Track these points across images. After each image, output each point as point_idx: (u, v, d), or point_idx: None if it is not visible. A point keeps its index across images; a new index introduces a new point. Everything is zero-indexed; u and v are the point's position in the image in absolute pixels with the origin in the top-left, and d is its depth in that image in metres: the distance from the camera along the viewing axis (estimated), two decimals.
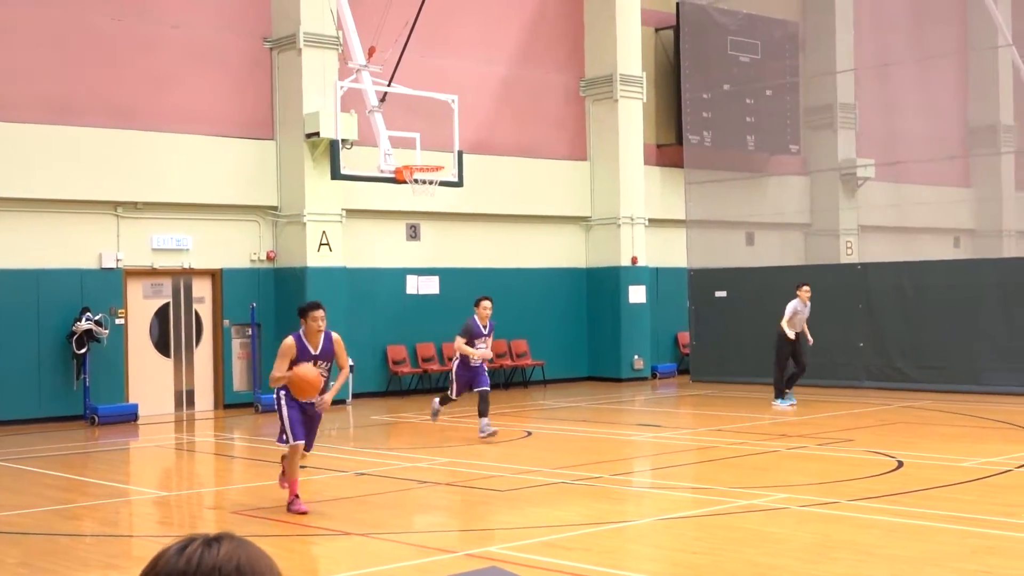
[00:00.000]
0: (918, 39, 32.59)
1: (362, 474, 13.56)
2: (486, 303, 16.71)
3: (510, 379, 25.23)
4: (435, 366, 23.82)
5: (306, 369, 10.88)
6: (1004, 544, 9.28)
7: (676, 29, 27.88)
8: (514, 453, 15.29)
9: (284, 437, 11.16)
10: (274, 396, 11.36)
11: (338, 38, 21.78)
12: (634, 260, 26.24)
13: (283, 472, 11.32)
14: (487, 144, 24.79)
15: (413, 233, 24.11)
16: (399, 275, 23.66)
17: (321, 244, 21.94)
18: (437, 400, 17.33)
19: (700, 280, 26.32)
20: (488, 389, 16.32)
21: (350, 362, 12.30)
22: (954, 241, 34.00)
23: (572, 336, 26.27)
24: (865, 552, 9.07)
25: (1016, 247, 33.05)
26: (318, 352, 11.15)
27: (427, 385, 23.85)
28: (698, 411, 21.25)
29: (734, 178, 28.45)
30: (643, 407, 22.08)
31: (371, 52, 20.59)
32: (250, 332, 21.87)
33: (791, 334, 20.19)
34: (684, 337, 27.24)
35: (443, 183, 20.80)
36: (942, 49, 33.57)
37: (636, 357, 26.14)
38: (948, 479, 12.30)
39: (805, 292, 20.38)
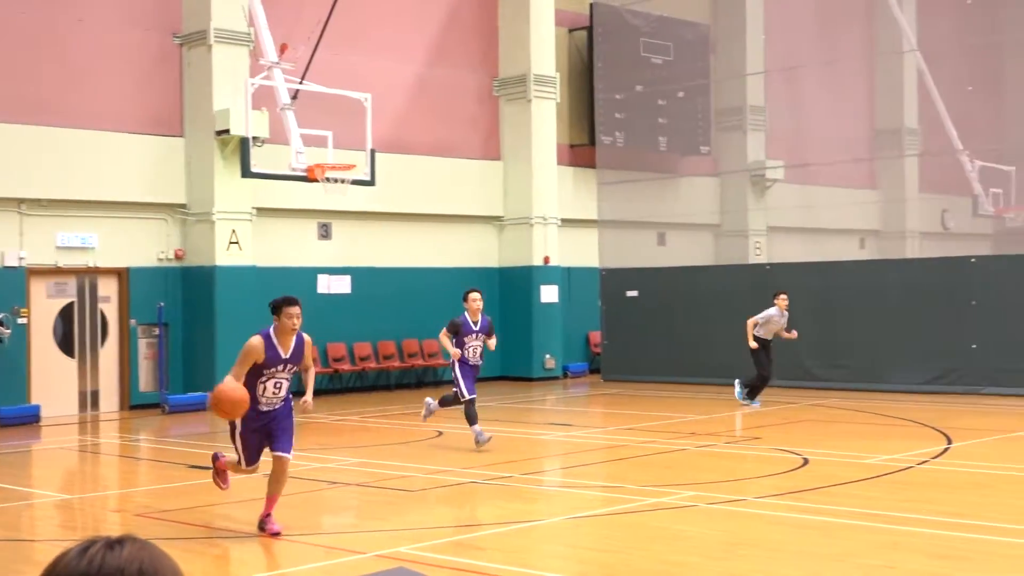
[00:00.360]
0: (826, 43, 33.09)
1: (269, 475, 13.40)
2: (475, 295, 15.05)
3: (422, 379, 25.16)
4: (346, 366, 23.68)
5: (231, 387, 9.46)
6: (907, 539, 9.44)
7: (589, 30, 28.02)
8: (425, 453, 15.24)
9: (238, 459, 10.14)
10: None
11: (250, 35, 21.56)
12: (546, 260, 26.32)
13: (217, 472, 10.49)
14: (400, 143, 24.70)
15: (324, 232, 23.94)
16: (310, 274, 23.48)
17: (231, 243, 21.70)
18: (433, 402, 15.77)
19: (612, 280, 26.47)
20: (475, 397, 15.07)
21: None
22: (860, 242, 34.56)
23: None
24: (772, 549, 9.17)
25: (919, 248, 33.70)
26: (288, 355, 9.85)
27: (338, 385, 23.72)
28: (609, 410, 21.37)
29: (646, 178, 28.66)
30: (554, 406, 22.15)
31: (283, 49, 20.43)
32: (157, 332, 21.56)
33: (753, 342, 19.41)
34: (596, 336, 27.38)
35: (355, 182, 20.71)
36: (849, 53, 34.10)
37: (548, 356, 26.22)
38: (853, 476, 12.49)
39: (783, 300, 19.59)
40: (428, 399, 16.03)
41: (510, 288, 26.38)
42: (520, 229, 26.37)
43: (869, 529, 9.85)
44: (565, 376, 26.73)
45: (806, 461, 13.58)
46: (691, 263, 28.04)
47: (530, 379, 25.65)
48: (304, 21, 21.84)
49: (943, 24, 34.19)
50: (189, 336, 21.83)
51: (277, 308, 9.88)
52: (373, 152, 21.12)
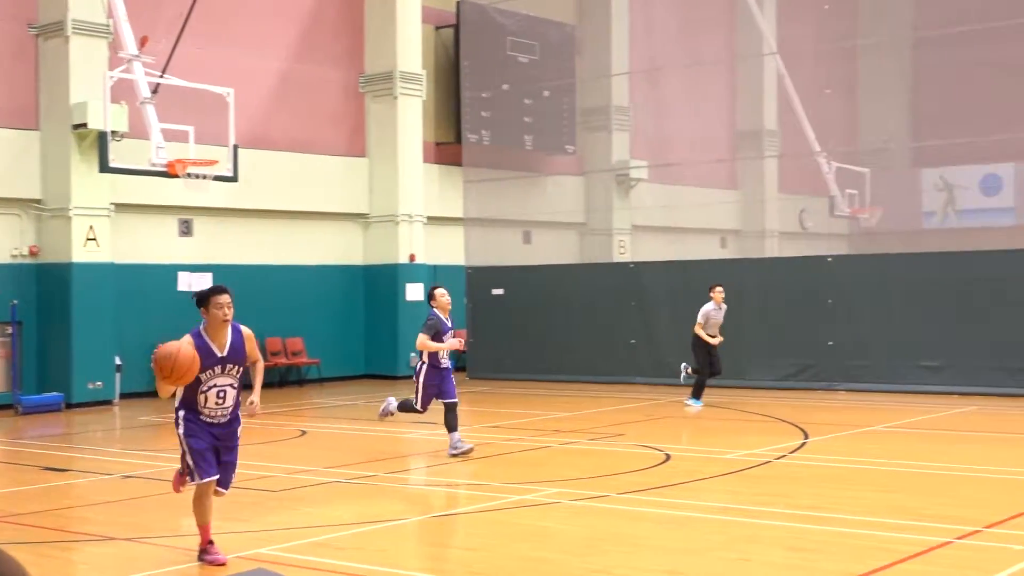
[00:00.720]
0: (690, 45, 33.63)
1: (129, 477, 13.14)
2: (442, 291, 14.21)
3: (285, 378, 24.89)
4: None
5: (180, 349, 8.23)
6: (764, 533, 9.62)
7: (456, 28, 28.01)
8: (287, 453, 15.07)
9: (188, 473, 8.69)
10: (173, 420, 8.71)
11: (108, 26, 21.06)
12: (412, 258, 26.24)
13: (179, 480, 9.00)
14: (263, 139, 24.39)
15: (185, 228, 23.51)
16: (170, 272, 23.03)
17: (88, 239, 21.17)
18: (394, 402, 14.80)
19: (477, 278, 26.51)
20: (457, 401, 14.09)
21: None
22: (721, 241, 35.20)
23: (349, 334, 26.09)
24: (634, 544, 9.27)
25: (777, 247, 34.48)
26: (226, 353, 8.57)
27: None
28: (474, 408, 21.38)
29: (512, 177, 28.77)
30: None
31: (143, 42, 20.00)
32: (10, 331, 20.93)
33: (708, 338, 18.92)
34: (461, 334, 27.34)
35: (217, 178, 20.41)
36: (712, 55, 34.72)
37: (413, 355, 25.98)
38: (713, 471, 12.71)
39: (719, 293, 19.15)
40: (390, 398, 15.03)
41: (375, 286, 26.24)
42: (386, 227, 26.25)
43: (728, 523, 10.03)
44: None
45: (668, 457, 13.77)
46: (556, 261, 28.25)
47: (395, 377, 25.54)
48: (165, 14, 21.43)
49: (802, 28, 35.05)
50: (44, 335, 21.25)
51: (203, 300, 8.65)
52: (236, 148, 20.82)
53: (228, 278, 23.78)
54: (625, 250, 31.02)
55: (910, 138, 38.57)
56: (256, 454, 14.75)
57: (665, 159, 31.66)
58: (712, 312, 19.10)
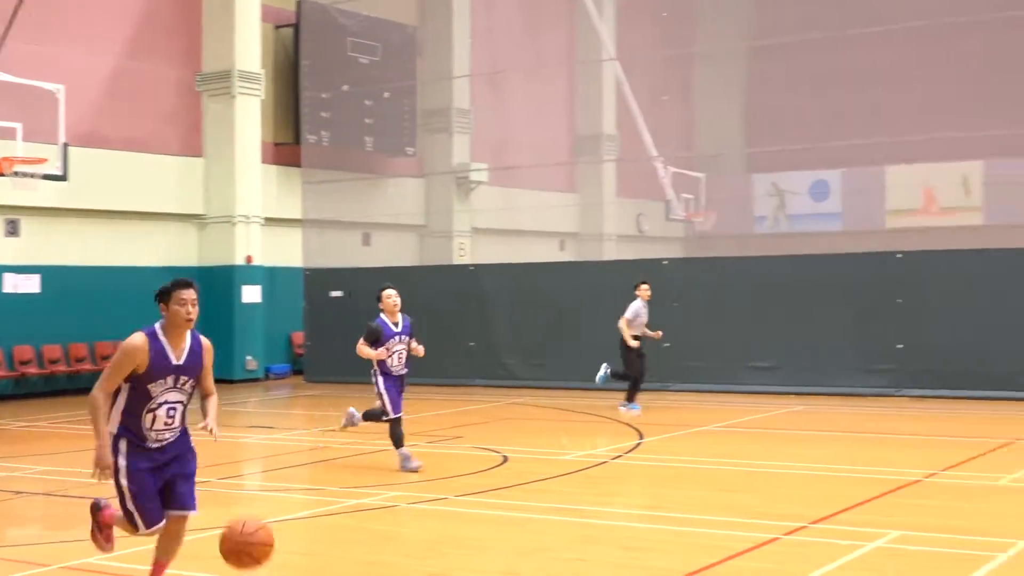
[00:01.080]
0: (531, 49, 33.91)
1: None
2: (389, 292, 12.97)
3: None
4: (33, 369, 22.59)
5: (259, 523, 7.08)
6: (600, 533, 9.74)
7: (296, 27, 27.71)
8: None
9: (129, 521, 7.22)
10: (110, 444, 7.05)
11: None
12: (249, 259, 25.87)
13: (99, 526, 7.56)
14: (96, 137, 23.75)
15: (12, 229, 22.73)
16: None
17: None
18: (359, 413, 13.62)
19: (315, 280, 26.24)
20: (401, 416, 13.06)
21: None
22: (559, 244, 35.54)
23: None
24: (473, 546, 9.29)
25: (615, 250, 34.97)
26: (183, 361, 7.11)
27: (24, 390, 22.58)
28: (311, 412, 21.20)
29: (351, 178, 28.57)
30: (256, 408, 21.78)
31: None
32: None
33: (629, 340, 18.31)
34: (299, 337, 27.08)
35: (46, 176, 19.86)
36: (553, 60, 35.06)
37: (249, 358, 25.78)
38: (550, 472, 12.81)
39: (645, 291, 18.60)
40: (352, 408, 13.83)
41: (211, 288, 25.68)
42: (222, 228, 25.81)
43: (565, 524, 10.13)
44: (267, 378, 26.35)
45: (506, 459, 13.84)
46: (396, 263, 28.14)
47: (231, 381, 25.11)
48: None
49: (641, 35, 35.66)
50: None
51: (165, 294, 7.13)
52: (66, 146, 20.25)
53: (57, 280, 23.16)
54: (465, 252, 31.09)
55: (744, 144, 39.57)
56: (84, 461, 14.33)
57: (505, 162, 31.84)
58: (641, 309, 18.51)
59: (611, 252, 34.87)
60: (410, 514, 10.67)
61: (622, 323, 18.40)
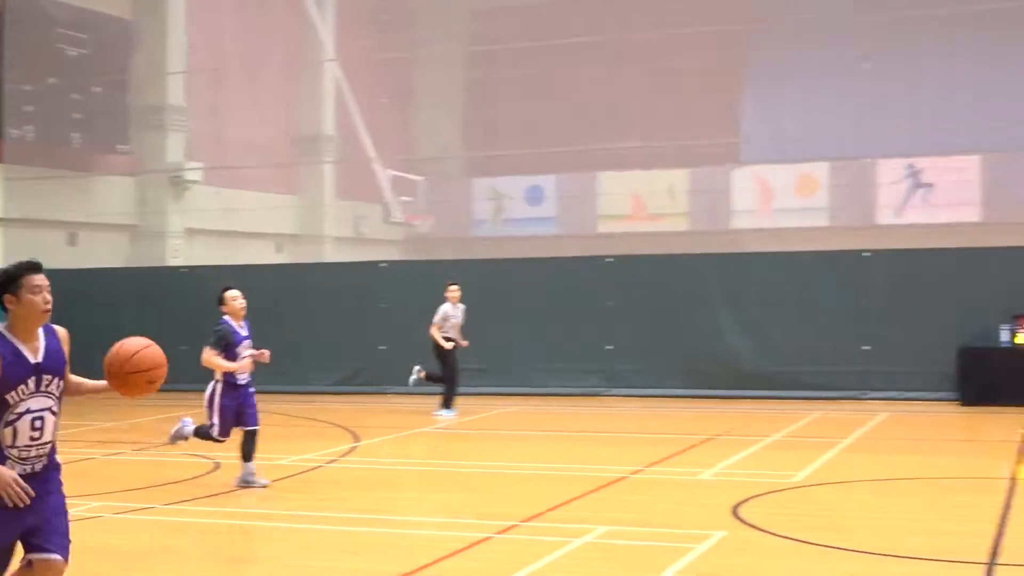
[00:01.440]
0: (251, 48, 33.35)
1: None
2: (234, 293, 11.99)
3: None
4: None
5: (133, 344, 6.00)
6: (322, 538, 9.67)
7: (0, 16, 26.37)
8: None
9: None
10: None
11: None
12: None
13: None
14: None
15: None
16: None
17: None
18: (192, 426, 12.39)
19: None
20: (258, 428, 12.12)
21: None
22: (277, 246, 35.07)
23: None
24: (184, 555, 9.09)
25: (335, 252, 34.82)
26: (41, 359, 5.68)
27: None
28: None
29: (58, 176, 27.34)
30: None
31: None
32: None
33: (442, 342, 17.97)
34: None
35: None
36: (273, 59, 34.59)
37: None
38: (266, 477, 12.62)
39: (453, 292, 18.23)
40: (187, 419, 12.55)
41: None
42: None
43: (286, 530, 10.01)
44: None
45: (218, 465, 13.56)
46: (105, 264, 27.11)
47: None
48: None
49: (361, 38, 35.65)
50: None
51: (11, 281, 5.66)
52: None
53: None
54: (179, 254, 30.26)
55: (463, 149, 40.09)
56: None
57: (222, 162, 31.20)
58: (450, 311, 18.24)
59: (330, 254, 34.69)
60: (115, 524, 10.30)
61: (433, 328, 18.20)
